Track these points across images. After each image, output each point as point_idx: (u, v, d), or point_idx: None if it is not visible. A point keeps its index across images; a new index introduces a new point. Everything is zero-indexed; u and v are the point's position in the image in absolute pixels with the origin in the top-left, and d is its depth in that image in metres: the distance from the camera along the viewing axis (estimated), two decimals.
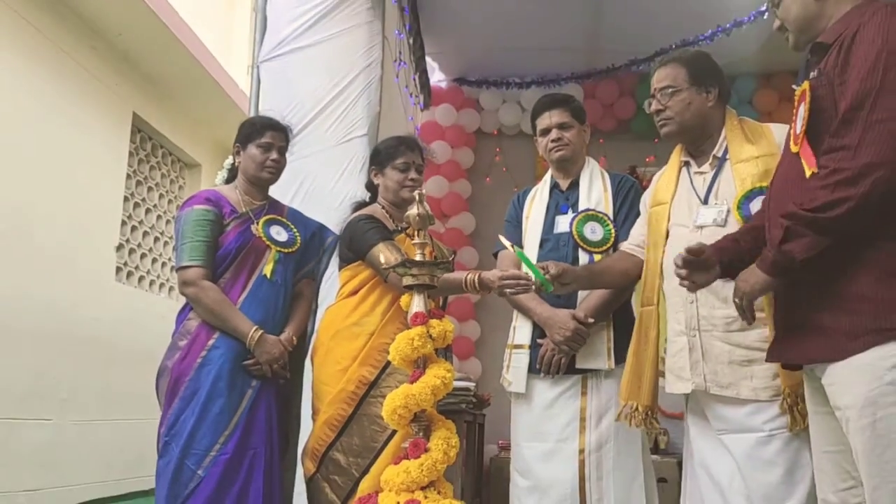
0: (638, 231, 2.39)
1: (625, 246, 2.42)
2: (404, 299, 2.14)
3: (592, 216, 2.55)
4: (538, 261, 2.51)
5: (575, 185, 2.65)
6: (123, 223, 5.76)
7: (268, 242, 2.52)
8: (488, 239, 4.25)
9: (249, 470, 2.34)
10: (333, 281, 2.69)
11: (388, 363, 2.32)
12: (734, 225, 2.02)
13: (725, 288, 1.98)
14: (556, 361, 2.46)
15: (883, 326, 1.44)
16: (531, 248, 2.60)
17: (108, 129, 5.49)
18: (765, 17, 4.63)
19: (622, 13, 4.72)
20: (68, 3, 4.87)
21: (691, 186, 2.19)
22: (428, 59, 5.30)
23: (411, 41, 4.60)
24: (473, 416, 4.44)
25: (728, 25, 4.83)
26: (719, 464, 2.03)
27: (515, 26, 4.95)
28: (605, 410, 2.45)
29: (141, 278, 6.04)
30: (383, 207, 2.63)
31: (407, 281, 2.07)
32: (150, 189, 6.24)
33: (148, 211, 6.19)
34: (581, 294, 2.50)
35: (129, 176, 5.86)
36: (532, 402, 2.53)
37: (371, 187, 2.74)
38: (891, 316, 1.44)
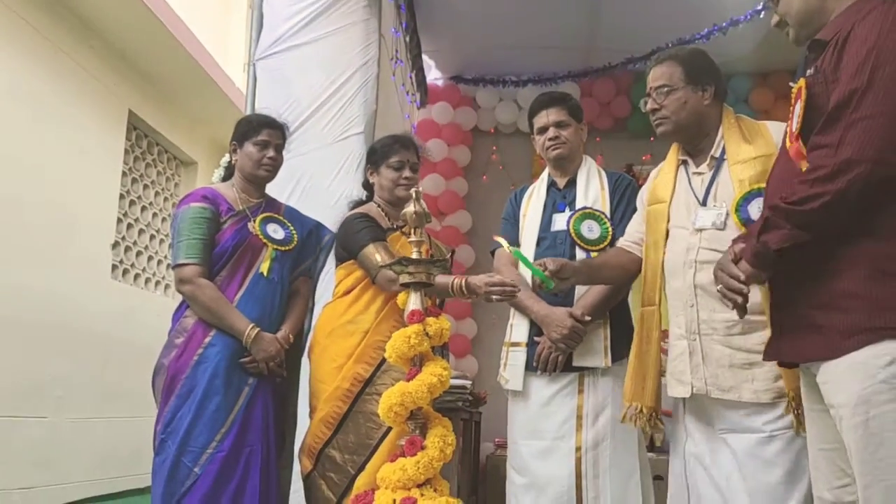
0: (634, 228, 2.38)
1: (621, 242, 2.41)
2: (401, 297, 2.14)
3: (589, 214, 2.56)
4: (535, 259, 2.52)
5: (572, 184, 2.65)
6: (119, 221, 5.75)
7: (264, 240, 2.52)
8: (485, 237, 4.26)
9: (246, 467, 2.35)
10: (330, 279, 2.69)
11: (384, 360, 2.33)
12: (733, 227, 2.01)
13: None
14: (553, 359, 2.46)
15: (876, 325, 1.44)
16: (528, 246, 2.61)
17: (104, 127, 5.48)
18: (761, 16, 4.64)
19: (619, 11, 4.72)
20: (65, 1, 4.86)
21: (689, 187, 2.18)
22: (424, 57, 5.30)
23: (408, 39, 4.59)
24: (470, 414, 4.44)
25: (724, 24, 4.84)
26: (719, 463, 2.03)
27: (512, 24, 4.95)
28: (601, 408, 2.45)
29: (137, 276, 6.03)
30: (379, 206, 2.63)
31: (403, 279, 2.07)
32: (145, 187, 6.23)
33: (144, 209, 6.18)
34: (578, 292, 2.50)
35: (124, 173, 5.85)
36: (529, 399, 2.53)
37: (368, 186, 2.74)
38: (884, 314, 1.44)
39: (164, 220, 6.45)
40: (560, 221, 2.59)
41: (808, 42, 1.69)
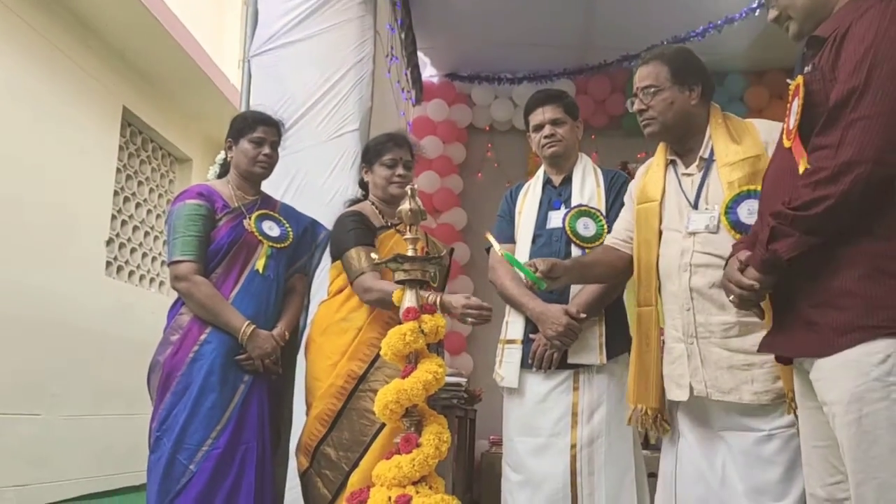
0: (623, 226, 2.36)
1: (609, 240, 2.40)
2: (396, 294, 2.14)
3: (585, 212, 2.56)
4: (531, 257, 2.52)
5: (568, 181, 2.66)
6: (113, 217, 5.74)
7: (260, 237, 2.51)
8: (480, 234, 4.26)
9: (241, 465, 2.34)
10: (325, 276, 2.69)
11: (377, 357, 2.34)
12: (726, 231, 2.01)
13: (722, 294, 1.96)
14: (549, 356, 2.46)
15: (870, 323, 1.44)
16: (524, 244, 2.61)
17: (98, 124, 5.47)
18: (756, 14, 4.65)
19: (614, 9, 4.73)
20: None
21: (679, 188, 2.16)
22: (420, 55, 5.30)
23: (403, 36, 4.59)
24: (465, 412, 4.45)
25: (720, 22, 4.85)
26: (713, 464, 2.03)
27: (508, 22, 4.95)
28: (596, 405, 2.45)
29: (131, 273, 6.02)
30: (373, 204, 2.63)
31: (399, 276, 2.07)
32: (140, 183, 6.21)
33: (138, 205, 6.16)
34: (573, 289, 2.50)
35: (118, 170, 5.83)
36: (524, 396, 2.54)
37: (363, 185, 2.74)
38: (879, 313, 1.44)
39: (158, 216, 6.44)
40: (556, 219, 2.59)
41: (806, 38, 1.67)
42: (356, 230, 2.47)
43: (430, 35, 5.16)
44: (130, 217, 6.04)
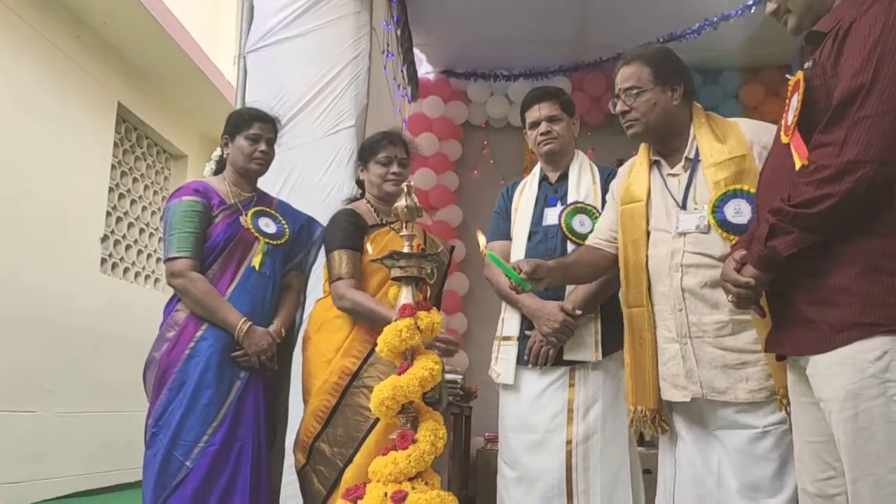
0: (606, 226, 2.35)
1: (591, 240, 2.38)
2: (392, 291, 2.15)
3: (581, 209, 2.56)
4: (527, 254, 2.54)
5: (564, 178, 2.66)
6: (108, 214, 5.73)
7: (256, 234, 2.51)
8: (475, 231, 4.26)
9: (237, 461, 2.34)
10: (322, 273, 2.69)
11: (370, 353, 2.35)
12: (716, 230, 2.01)
13: (715, 294, 1.99)
14: (545, 353, 2.47)
15: (868, 321, 1.44)
16: (520, 240, 2.61)
17: (93, 120, 5.45)
18: (752, 11, 4.66)
19: (610, 6, 4.74)
20: None
21: (665, 189, 2.16)
22: (416, 51, 5.30)
23: (399, 32, 4.59)
24: (460, 409, 4.46)
25: (715, 19, 4.86)
26: (708, 463, 2.04)
27: (504, 18, 4.95)
28: (592, 402, 2.46)
29: (126, 270, 6.01)
30: (369, 202, 2.63)
31: (395, 273, 2.07)
32: (135, 180, 6.20)
33: (133, 202, 6.15)
34: (569, 286, 2.50)
35: (113, 166, 5.82)
36: (520, 393, 2.54)
37: (360, 183, 2.75)
38: (876, 310, 1.44)
39: (153, 213, 6.43)
40: (552, 216, 2.59)
41: (805, 32, 1.66)
42: (344, 231, 2.49)
43: (426, 32, 5.16)
44: (126, 214, 6.03)
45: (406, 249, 2.07)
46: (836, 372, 1.47)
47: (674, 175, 2.16)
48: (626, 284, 2.22)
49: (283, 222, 2.62)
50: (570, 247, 2.52)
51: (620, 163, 2.48)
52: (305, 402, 2.46)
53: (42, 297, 4.70)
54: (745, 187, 1.98)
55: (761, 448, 1.95)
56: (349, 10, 3.42)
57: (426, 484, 1.96)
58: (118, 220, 5.92)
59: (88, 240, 5.42)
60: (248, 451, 2.36)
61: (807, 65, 1.60)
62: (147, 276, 6.33)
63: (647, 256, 2.15)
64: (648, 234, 2.16)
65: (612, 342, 2.46)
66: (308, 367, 2.48)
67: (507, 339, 2.60)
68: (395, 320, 2.17)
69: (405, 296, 2.07)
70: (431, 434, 1.99)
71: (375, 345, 2.23)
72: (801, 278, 1.55)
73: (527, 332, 2.53)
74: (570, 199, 2.59)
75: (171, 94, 6.35)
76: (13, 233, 4.47)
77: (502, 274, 2.55)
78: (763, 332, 1.91)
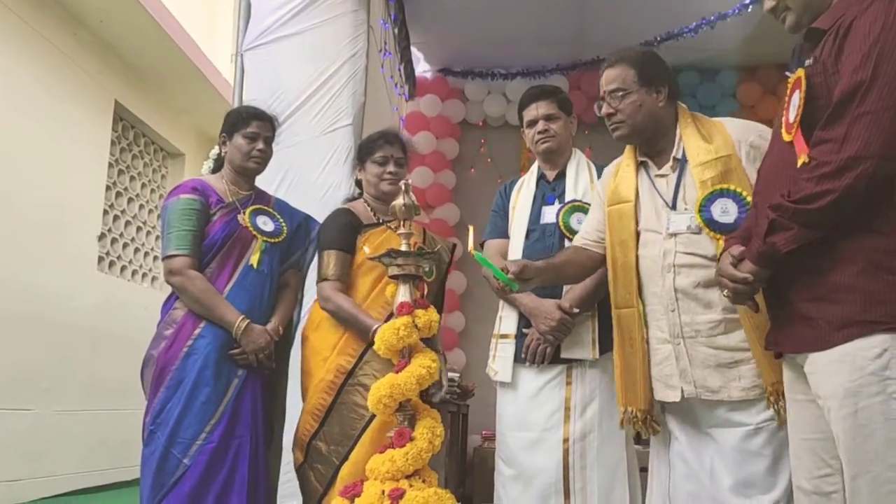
0: (593, 226, 2.35)
1: (578, 240, 2.38)
2: (390, 289, 2.15)
3: (579, 207, 2.56)
4: (525, 252, 2.55)
5: (561, 176, 2.66)
6: (105, 212, 5.72)
7: (254, 232, 2.51)
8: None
9: (235, 459, 2.34)
10: None
11: (365, 351, 2.36)
12: (703, 229, 2.02)
13: (707, 293, 2.00)
14: (542, 351, 2.48)
15: (868, 318, 1.44)
16: (518, 239, 2.62)
17: (90, 118, 5.45)
18: (749, 9, 4.66)
19: (607, 5, 4.74)
20: None
21: (654, 189, 2.16)
22: (413, 50, 5.30)
23: (396, 31, 4.59)
24: (457, 407, 4.46)
25: (712, 18, 4.86)
26: (702, 460, 2.05)
27: (501, 17, 4.95)
28: (589, 400, 2.47)
29: (123, 268, 6.01)
30: (366, 201, 2.64)
31: (392, 271, 2.08)
32: (132, 178, 6.20)
33: (130, 200, 6.15)
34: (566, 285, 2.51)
35: (110, 164, 5.82)
36: (517, 391, 2.55)
37: (359, 183, 2.76)
38: (876, 308, 1.44)
39: (150, 211, 6.43)
40: (549, 214, 2.60)
41: (803, 30, 1.66)
42: (337, 232, 2.51)
43: (424, 30, 5.16)
44: (123, 212, 6.02)
45: (403, 247, 2.07)
46: (835, 369, 1.47)
47: (662, 176, 2.16)
48: (615, 285, 2.22)
49: (281, 220, 2.62)
50: (567, 245, 2.53)
51: None
52: (304, 400, 2.47)
53: (39, 295, 4.70)
54: (732, 186, 2.00)
55: (754, 445, 1.96)
56: (346, 9, 3.41)
57: (423, 482, 1.96)
58: (115, 218, 5.91)
59: (85, 238, 5.41)
60: (245, 449, 2.36)
61: (808, 62, 1.59)
62: (144, 275, 6.33)
63: (636, 257, 2.16)
64: (638, 235, 2.17)
65: (609, 340, 2.45)
66: (306, 365, 2.49)
67: (504, 337, 2.61)
68: (378, 327, 2.23)
69: (403, 294, 2.07)
70: (429, 432, 1.99)
71: (370, 343, 2.26)
72: (801, 275, 1.55)
73: (524, 330, 2.53)
74: (567, 198, 2.59)
75: (169, 92, 6.34)
76: (10, 231, 4.47)
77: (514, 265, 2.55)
78: (750, 332, 1.93)
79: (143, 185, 6.38)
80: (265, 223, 2.56)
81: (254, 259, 2.48)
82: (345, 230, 2.51)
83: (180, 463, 2.28)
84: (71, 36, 5.16)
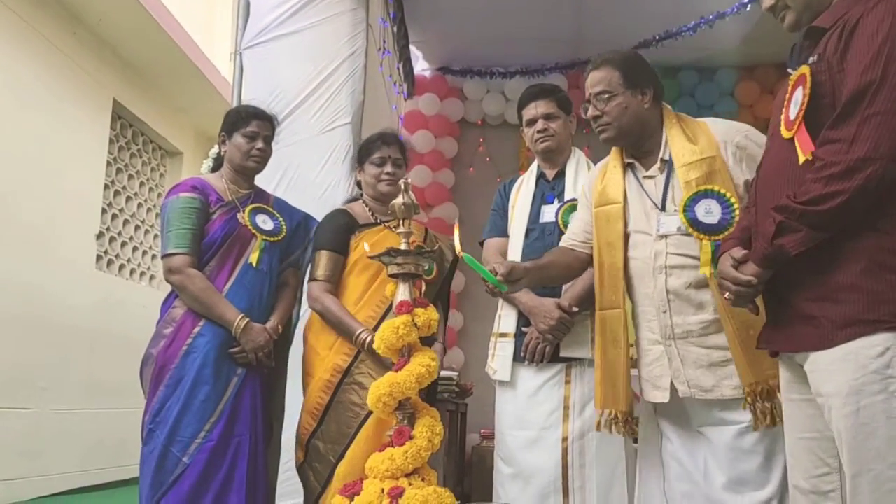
0: (581, 227, 2.35)
1: (565, 241, 2.38)
2: (389, 287, 2.15)
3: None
4: (524, 251, 2.56)
5: (561, 175, 2.67)
6: (104, 211, 5.71)
7: (254, 231, 2.51)
8: (472, 229, 4.24)
9: (234, 457, 2.34)
10: None
11: (360, 350, 2.37)
12: (687, 230, 2.02)
13: (699, 294, 2.01)
14: (541, 350, 2.48)
15: (871, 317, 1.43)
16: (517, 238, 2.62)
17: (88, 116, 5.44)
18: (747, 9, 4.66)
19: (606, 4, 4.74)
20: None
21: (642, 191, 2.16)
22: (412, 48, 5.29)
23: (395, 30, 4.59)
24: (456, 406, 4.46)
25: (711, 17, 4.86)
26: (695, 458, 2.06)
27: (500, 16, 4.95)
28: (588, 399, 2.46)
29: (121, 267, 6.00)
30: (365, 202, 2.65)
31: (392, 270, 2.08)
32: (130, 177, 6.19)
33: (128, 199, 6.14)
34: (566, 283, 2.51)
35: (109, 163, 5.81)
36: (517, 390, 2.55)
37: (360, 184, 2.77)
38: (879, 307, 1.43)
39: (149, 210, 6.42)
40: (549, 213, 2.60)
41: (801, 29, 1.65)
42: (330, 233, 2.54)
43: (422, 29, 5.16)
44: (121, 211, 6.01)
45: (403, 246, 2.07)
46: (837, 368, 1.46)
47: (650, 177, 2.17)
48: (601, 287, 2.23)
49: (281, 219, 2.62)
50: None
51: None
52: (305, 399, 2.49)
53: (37, 294, 4.70)
54: (716, 187, 2.00)
55: (747, 442, 1.97)
56: (345, 7, 3.41)
57: (423, 480, 1.96)
58: (113, 216, 5.91)
59: (84, 236, 5.41)
60: (244, 448, 2.37)
61: (812, 59, 1.57)
62: (142, 273, 6.32)
63: (624, 259, 2.17)
64: (627, 236, 2.18)
65: None
66: (306, 365, 2.51)
67: (503, 335, 2.61)
68: (361, 332, 2.32)
69: (402, 293, 2.07)
70: (428, 430, 1.99)
71: (359, 346, 2.30)
72: (802, 275, 1.54)
73: (523, 329, 2.54)
74: (566, 197, 2.60)
75: (167, 91, 6.33)
76: (8, 229, 4.46)
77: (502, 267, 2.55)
78: (732, 332, 1.94)
79: (142, 184, 6.37)
80: (265, 222, 2.56)
81: (253, 258, 2.48)
82: (338, 231, 2.53)
83: (179, 461, 2.28)
84: (70, 35, 5.16)
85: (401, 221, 2.12)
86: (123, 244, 6.04)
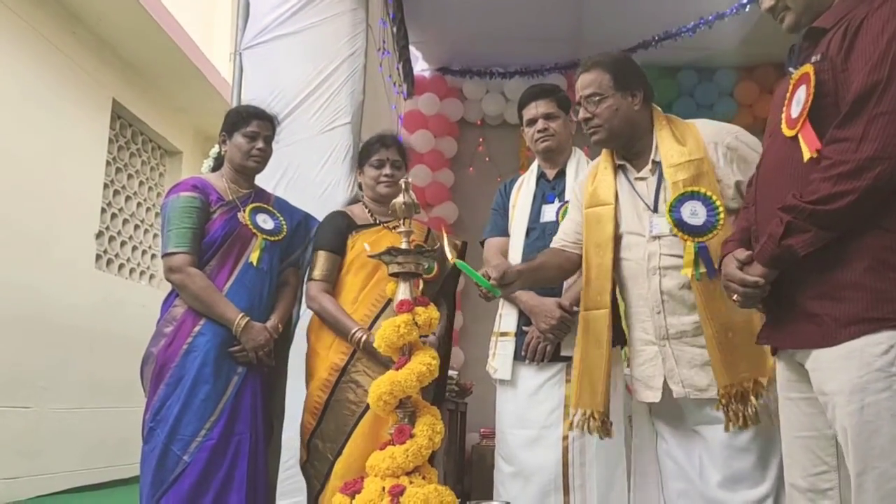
0: (572, 228, 2.35)
1: (557, 242, 2.39)
2: (390, 286, 2.16)
3: None
4: (525, 250, 2.57)
5: (561, 175, 2.68)
6: (103, 210, 5.71)
7: (254, 230, 2.52)
8: (472, 228, 4.26)
9: (234, 456, 2.34)
10: None
11: (356, 349, 2.38)
12: (673, 230, 2.02)
13: (692, 295, 2.02)
14: (542, 349, 2.49)
15: (876, 315, 1.44)
16: (518, 237, 2.63)
17: (88, 116, 5.44)
18: (747, 9, 4.67)
19: (605, 4, 4.74)
20: None
21: (634, 192, 2.17)
22: (411, 49, 5.30)
23: (395, 30, 4.59)
24: (456, 405, 4.47)
25: (710, 17, 4.87)
26: (691, 457, 2.07)
27: (499, 16, 4.95)
28: None
29: (121, 266, 6.00)
30: (365, 204, 2.67)
31: (392, 269, 2.08)
32: (130, 176, 6.19)
33: (128, 198, 6.14)
34: (566, 282, 2.52)
35: (108, 163, 5.81)
36: (517, 388, 2.56)
37: (361, 187, 2.79)
38: (883, 305, 1.43)
39: (148, 210, 6.42)
40: (549, 212, 2.61)
41: (799, 30, 1.65)
42: (328, 234, 2.56)
43: (422, 29, 5.16)
44: (120, 210, 6.01)
45: (403, 245, 2.08)
46: (841, 366, 1.46)
47: (641, 179, 2.17)
48: (587, 287, 2.23)
49: (281, 219, 2.63)
50: None
51: None
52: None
53: (36, 294, 4.69)
54: (702, 189, 2.01)
55: (742, 440, 1.98)
56: (345, 8, 3.42)
57: (423, 478, 1.97)
58: (113, 216, 5.91)
59: (83, 236, 5.41)
60: (245, 447, 2.37)
61: (815, 58, 1.57)
62: (142, 273, 6.32)
63: (614, 260, 2.17)
64: (619, 237, 2.18)
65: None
66: (308, 366, 2.52)
67: (504, 334, 2.61)
68: (356, 331, 2.34)
69: (403, 292, 2.08)
70: (429, 429, 2.00)
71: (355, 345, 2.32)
72: (805, 273, 1.54)
73: (524, 328, 2.54)
74: (567, 196, 2.60)
75: (167, 91, 6.33)
76: (7, 228, 4.46)
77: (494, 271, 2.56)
78: (711, 334, 1.96)
79: (141, 183, 6.37)
80: (265, 221, 2.57)
81: (253, 257, 2.48)
82: (336, 232, 2.55)
83: (180, 460, 2.28)
84: (70, 34, 5.16)
85: (401, 221, 2.13)
86: (123, 244, 6.04)
